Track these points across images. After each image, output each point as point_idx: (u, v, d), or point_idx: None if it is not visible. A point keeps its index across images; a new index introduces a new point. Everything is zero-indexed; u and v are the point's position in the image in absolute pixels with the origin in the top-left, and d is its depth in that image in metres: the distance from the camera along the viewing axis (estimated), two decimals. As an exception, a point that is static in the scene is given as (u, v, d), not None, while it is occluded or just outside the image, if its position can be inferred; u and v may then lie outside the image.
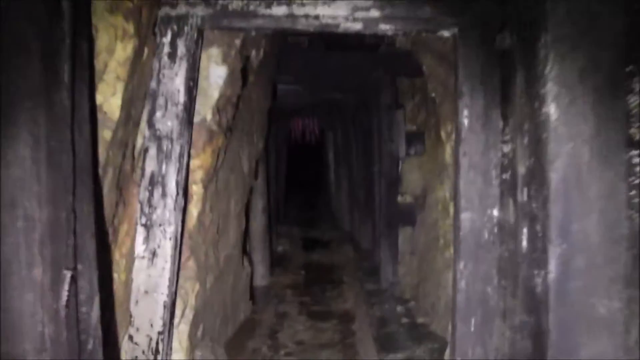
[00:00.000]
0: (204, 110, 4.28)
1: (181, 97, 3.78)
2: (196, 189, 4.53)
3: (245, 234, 7.00)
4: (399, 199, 8.47)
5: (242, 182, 6.08)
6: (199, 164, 4.40)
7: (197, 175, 4.45)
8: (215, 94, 4.32)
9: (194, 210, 4.58)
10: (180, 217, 3.97)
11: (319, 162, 20.34)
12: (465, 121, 3.60)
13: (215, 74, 4.30)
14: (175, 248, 3.92)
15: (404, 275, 8.43)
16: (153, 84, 3.80)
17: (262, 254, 8.51)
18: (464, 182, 3.62)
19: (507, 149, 3.49)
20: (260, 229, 8.47)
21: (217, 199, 5.21)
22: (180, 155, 3.83)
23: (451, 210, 6.01)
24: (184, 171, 3.92)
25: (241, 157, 5.98)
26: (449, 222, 6.69)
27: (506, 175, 3.50)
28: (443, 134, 5.98)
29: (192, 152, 4.27)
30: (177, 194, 3.84)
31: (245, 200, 6.38)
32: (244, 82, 4.99)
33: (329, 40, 8.15)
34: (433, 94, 6.05)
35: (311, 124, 14.64)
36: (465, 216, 3.63)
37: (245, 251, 6.83)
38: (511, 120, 3.39)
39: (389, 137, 8.35)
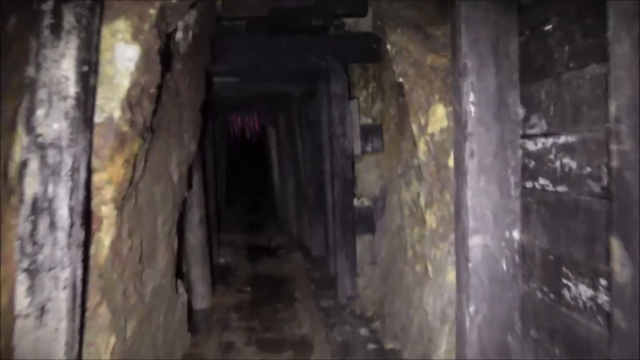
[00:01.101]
0: (110, 106, 3.16)
1: (71, 88, 2.68)
2: (106, 212, 3.41)
3: (180, 253, 5.88)
4: (355, 202, 7.48)
5: (171, 194, 4.96)
6: (107, 178, 3.28)
7: (105, 193, 3.33)
8: (124, 82, 3.19)
9: (105, 238, 3.46)
10: (79, 255, 2.86)
11: (261, 161, 19.19)
12: (472, 109, 2.60)
13: (124, 55, 3.18)
14: (74, 299, 2.81)
15: (365, 289, 7.45)
16: (30, 71, 2.67)
17: (201, 271, 7.38)
18: (473, 194, 2.62)
19: (533, 146, 2.50)
20: (198, 243, 7.34)
21: (138, 219, 4.08)
22: (74, 170, 2.72)
23: (426, 217, 5.05)
24: (81, 191, 2.81)
25: (169, 164, 4.85)
26: (419, 231, 5.72)
27: (532, 183, 2.52)
28: (415, 127, 4.99)
29: (96, 163, 3.16)
30: (72, 224, 2.74)
31: (177, 214, 5.26)
32: (165, 67, 3.87)
33: (271, 23, 7.12)
34: (400, 79, 5.05)
35: (251, 120, 13.46)
36: (475, 241, 2.63)
37: (179, 275, 5.70)
38: (544, 102, 2.40)
39: (341, 131, 7.34)
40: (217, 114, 12.07)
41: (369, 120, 7.43)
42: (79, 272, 2.86)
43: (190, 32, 5.11)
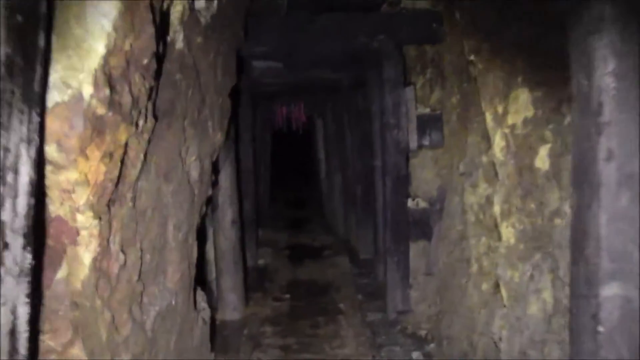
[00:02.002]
0: (77, 80, 2.28)
1: None
2: (83, 221, 2.56)
3: (201, 261, 5.04)
4: (409, 203, 6.53)
5: (188, 194, 4.10)
6: (78, 177, 2.42)
7: (78, 197, 2.47)
8: (98, 47, 2.32)
9: (84, 255, 2.63)
10: (21, 288, 2.02)
11: (308, 154, 18.31)
12: (612, 84, 1.63)
13: (97, 10, 2.30)
14: (11, 352, 1.98)
15: (418, 302, 6.50)
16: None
17: (233, 278, 6.54)
18: (609, 217, 1.66)
19: None
20: (230, 246, 6.50)
21: (137, 226, 3.24)
22: (10, 169, 1.87)
23: (501, 230, 4.09)
24: (21, 199, 1.95)
25: (185, 158, 4.00)
26: (486, 242, 4.77)
27: None
28: (489, 118, 4.04)
29: (58, 158, 2.31)
30: (5, 245, 1.89)
31: (197, 216, 4.41)
32: (162, 32, 3.00)
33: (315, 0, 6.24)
34: (472, 57, 4.08)
35: (297, 110, 12.56)
36: (610, 291, 1.70)
37: (201, 285, 4.86)
38: None
39: (394, 122, 6.38)
40: (258, 103, 11.24)
41: (427, 110, 6.46)
42: (22, 310, 2.00)
43: (215, 0, 4.24)
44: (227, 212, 6.44)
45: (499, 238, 4.07)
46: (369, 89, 7.86)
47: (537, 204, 3.39)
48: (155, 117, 3.17)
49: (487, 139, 4.66)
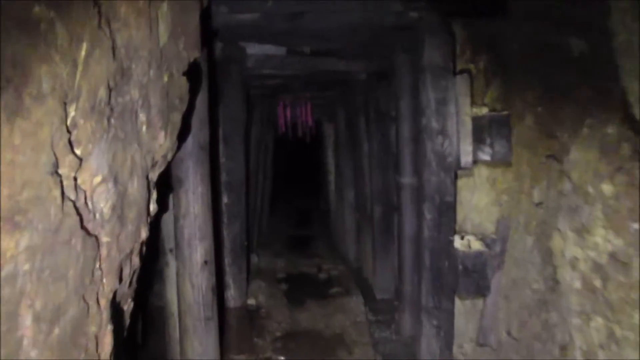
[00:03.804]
0: None
1: None
2: None
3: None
4: (457, 242, 4.57)
5: (76, 254, 2.15)
6: None
7: None
8: None
9: None
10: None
11: (315, 162, 16.27)
12: None
13: None
14: None
15: (466, 386, 4.56)
16: None
17: (202, 342, 4.58)
18: None
19: None
20: (198, 297, 4.54)
21: None
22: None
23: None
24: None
25: (65, 179, 2.05)
26: (605, 325, 2.84)
27: None
28: None
29: None
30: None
31: (108, 291, 2.46)
32: None
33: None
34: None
35: (303, 112, 10.56)
36: None
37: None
38: None
39: (438, 126, 4.47)
40: (255, 100, 9.30)
41: (484, 110, 4.52)
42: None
43: None
44: (195, 250, 4.49)
45: None
46: (397, 82, 5.90)
47: None
48: None
49: (613, 154, 2.75)
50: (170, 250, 4.78)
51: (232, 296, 6.79)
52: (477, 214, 4.87)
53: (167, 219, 4.79)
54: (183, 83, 3.01)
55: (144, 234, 2.75)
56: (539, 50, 3.89)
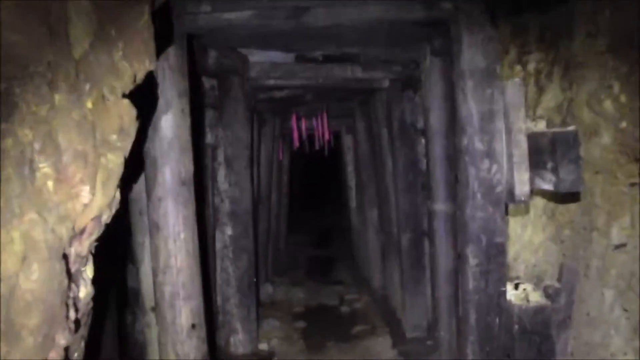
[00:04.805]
0: None
1: None
2: None
3: None
4: (511, 294, 3.60)
5: None
6: None
7: None
8: None
9: None
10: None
11: (335, 178, 15.25)
12: None
13: None
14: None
15: None
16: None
17: None
18: None
19: None
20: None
21: None
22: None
23: None
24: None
25: None
26: None
27: None
28: None
29: None
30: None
31: None
32: None
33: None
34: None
35: (319, 124, 9.58)
36: None
37: None
38: None
39: (483, 148, 3.49)
40: (263, 116, 8.38)
41: (541, 125, 3.54)
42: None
43: None
44: (179, 313, 3.56)
45: None
46: (425, 90, 4.94)
47: None
48: None
49: None
50: (152, 309, 3.86)
51: (240, 342, 5.88)
52: (531, 253, 3.92)
53: (147, 270, 3.90)
54: (125, 108, 2.07)
55: (62, 341, 1.80)
56: (626, 41, 2.89)
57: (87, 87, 1.85)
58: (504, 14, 3.97)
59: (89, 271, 2.07)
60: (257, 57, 5.65)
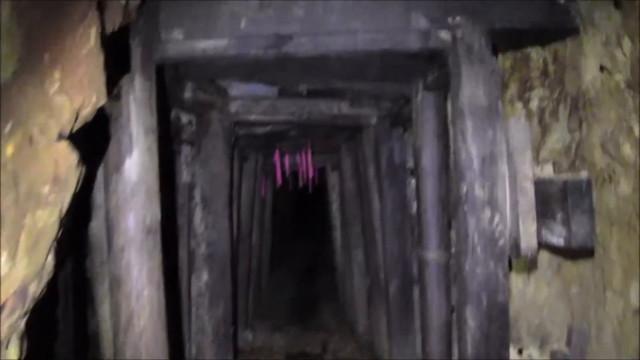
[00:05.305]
0: None
1: None
2: None
3: None
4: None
5: None
6: None
7: None
8: None
9: None
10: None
11: (319, 215, 14.88)
12: None
13: None
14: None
15: None
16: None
17: None
18: None
19: None
20: None
21: None
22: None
23: None
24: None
25: None
26: None
27: None
28: None
29: None
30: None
31: None
32: None
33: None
34: None
35: (303, 160, 9.24)
36: None
37: None
38: None
39: (484, 196, 3.14)
40: (246, 151, 8.03)
41: (547, 170, 3.21)
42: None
43: None
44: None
45: None
46: (417, 128, 4.60)
47: None
48: None
49: None
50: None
51: None
52: (535, 312, 3.56)
53: (109, 327, 3.49)
54: (61, 153, 1.68)
55: None
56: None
57: (8, 127, 1.47)
58: (504, 45, 3.66)
59: (12, 353, 1.66)
60: (238, 90, 5.32)
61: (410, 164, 5.64)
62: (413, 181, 5.43)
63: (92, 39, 1.79)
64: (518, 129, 3.11)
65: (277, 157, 8.89)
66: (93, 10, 1.80)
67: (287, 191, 11.80)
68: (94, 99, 1.83)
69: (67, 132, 1.72)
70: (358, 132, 7.10)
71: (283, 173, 9.29)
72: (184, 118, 5.49)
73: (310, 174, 9.28)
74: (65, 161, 1.68)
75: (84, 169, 1.84)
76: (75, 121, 1.76)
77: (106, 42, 1.93)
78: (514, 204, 3.08)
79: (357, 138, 7.43)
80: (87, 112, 1.82)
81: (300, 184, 10.00)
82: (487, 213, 3.10)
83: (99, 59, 1.85)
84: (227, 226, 5.66)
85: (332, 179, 11.49)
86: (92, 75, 1.82)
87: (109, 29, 2.06)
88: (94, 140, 2.68)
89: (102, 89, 1.88)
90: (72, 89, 1.73)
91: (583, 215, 2.86)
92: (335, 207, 11.48)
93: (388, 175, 6.08)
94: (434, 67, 3.84)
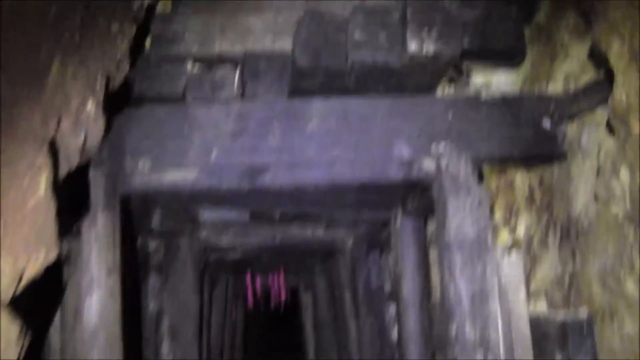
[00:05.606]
0: None
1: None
2: None
3: None
4: None
5: None
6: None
7: None
8: None
9: None
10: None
11: (292, 339, 14.40)
12: None
13: None
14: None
15: None
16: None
17: None
18: None
19: None
20: None
21: None
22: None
23: None
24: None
25: None
26: None
27: None
28: None
29: None
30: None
31: None
32: None
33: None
34: None
35: (275, 282, 9.02)
36: None
37: None
38: None
39: (474, 335, 2.90)
40: (217, 275, 7.78)
41: (541, 307, 3.01)
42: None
43: None
44: None
45: None
46: (397, 254, 4.44)
47: None
48: None
49: None
50: None
51: None
52: None
53: None
54: (2, 324, 1.42)
55: None
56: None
57: None
58: (489, 170, 3.56)
59: None
60: (209, 215, 5.19)
61: (388, 287, 5.49)
62: (392, 306, 5.22)
63: (41, 187, 1.56)
64: (510, 264, 2.94)
65: (248, 279, 8.68)
66: (43, 156, 1.58)
67: (259, 312, 11.46)
68: (41, 256, 1.57)
69: (8, 297, 1.46)
70: (333, 257, 6.94)
71: (254, 295, 9.06)
72: (152, 244, 5.28)
73: (282, 297, 9.08)
74: (5, 334, 1.41)
75: (29, 336, 1.57)
76: (19, 283, 1.51)
77: (60, 187, 1.71)
78: (509, 346, 2.85)
79: (332, 258, 7.24)
80: (34, 272, 1.56)
81: (272, 305, 9.75)
82: (480, 355, 2.86)
83: (49, 209, 1.60)
84: (196, 356, 5.38)
85: (305, 299, 11.16)
86: (41, 229, 1.57)
87: (64, 172, 1.83)
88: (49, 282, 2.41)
89: (53, 242, 1.64)
90: (16, 248, 1.48)
91: (586, 356, 2.64)
92: (308, 330, 11.08)
93: (365, 301, 5.89)
94: (415, 194, 3.72)
